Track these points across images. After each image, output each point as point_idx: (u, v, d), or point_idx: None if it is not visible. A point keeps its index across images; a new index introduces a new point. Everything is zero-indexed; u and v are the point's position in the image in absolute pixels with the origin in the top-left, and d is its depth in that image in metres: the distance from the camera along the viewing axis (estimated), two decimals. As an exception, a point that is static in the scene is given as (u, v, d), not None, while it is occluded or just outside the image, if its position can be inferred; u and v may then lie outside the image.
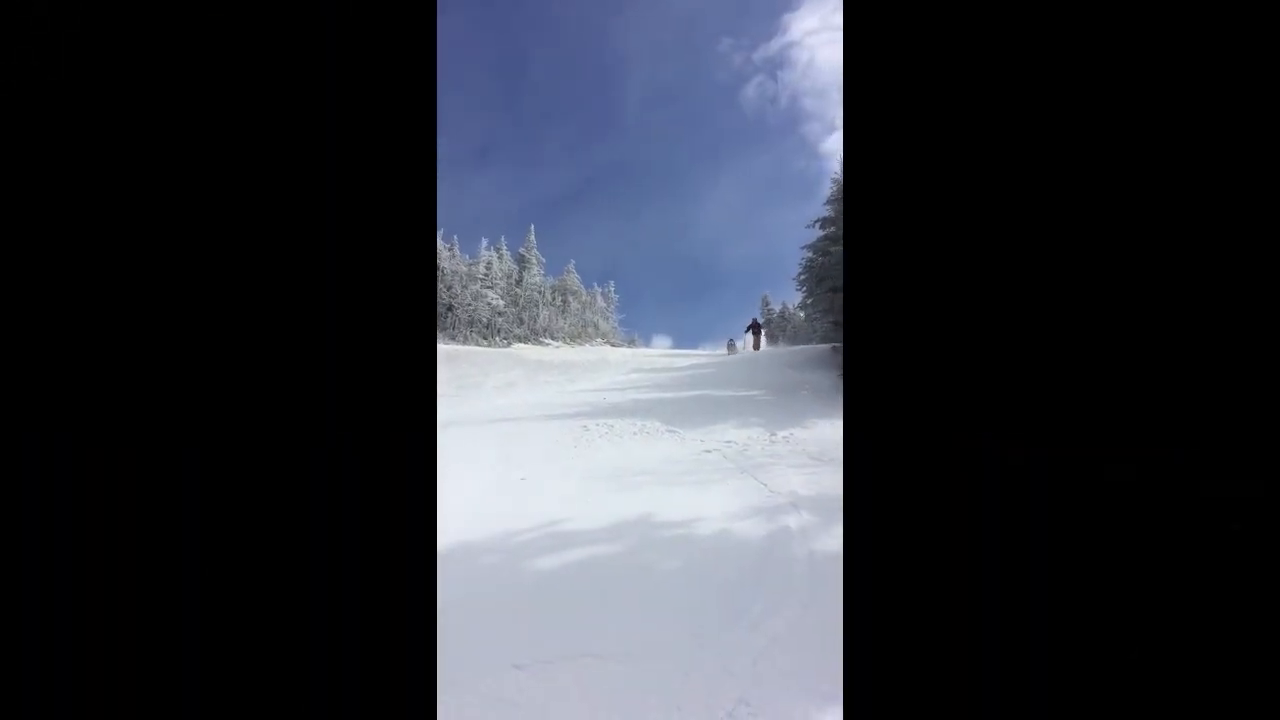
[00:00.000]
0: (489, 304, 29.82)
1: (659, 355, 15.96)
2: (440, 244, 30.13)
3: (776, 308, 27.98)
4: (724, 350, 16.91)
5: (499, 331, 30.25)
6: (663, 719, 1.39)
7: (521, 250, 34.70)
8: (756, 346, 15.76)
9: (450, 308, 28.78)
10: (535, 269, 33.49)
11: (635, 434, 5.45)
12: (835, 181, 10.50)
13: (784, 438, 4.88)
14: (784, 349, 14.06)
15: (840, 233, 9.26)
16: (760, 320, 16.48)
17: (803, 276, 11.56)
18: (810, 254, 10.92)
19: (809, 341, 15.74)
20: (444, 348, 22.87)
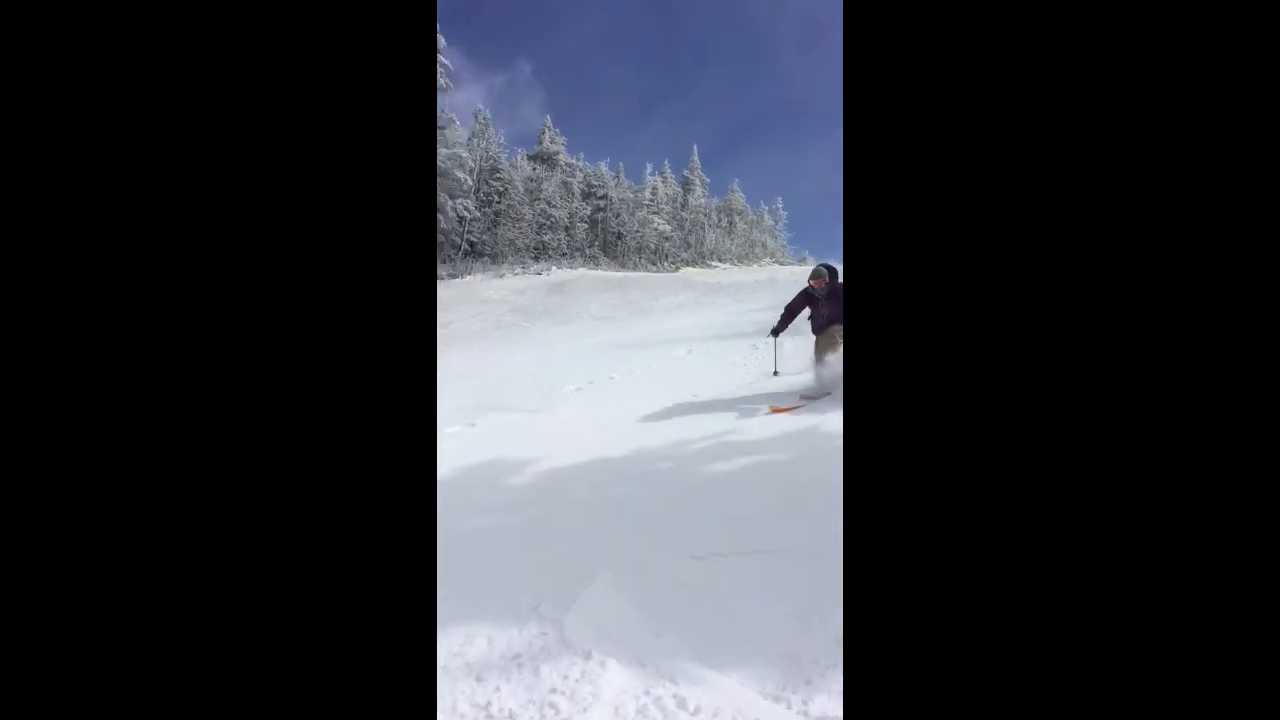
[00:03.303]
0: (655, 229, 30.11)
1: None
2: (606, 172, 30.71)
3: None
4: None
5: (666, 256, 30.64)
6: (834, 607, 1.43)
7: (686, 173, 34.25)
8: (820, 328, 4.27)
9: (619, 235, 29.54)
10: (699, 191, 33.03)
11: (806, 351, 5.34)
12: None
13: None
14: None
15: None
16: (829, 272, 4.30)
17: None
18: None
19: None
20: (615, 274, 23.72)
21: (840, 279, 4.23)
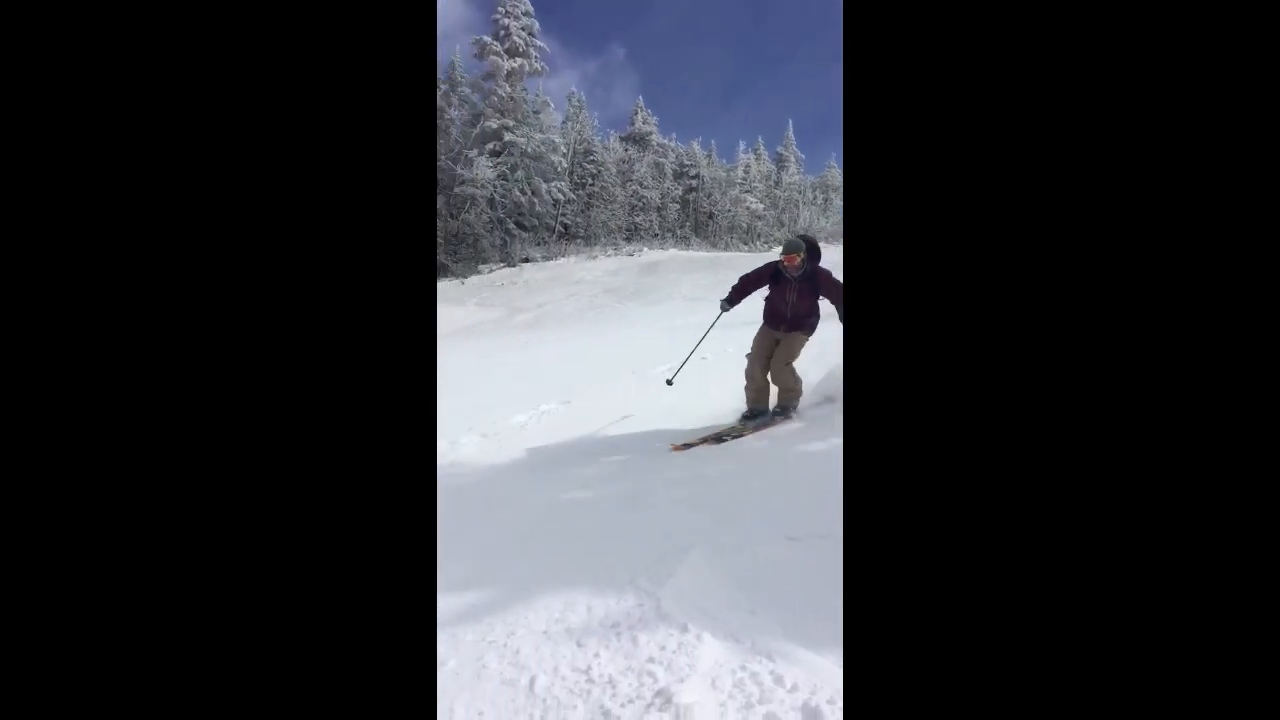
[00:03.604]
0: (748, 208, 29.55)
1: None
2: (698, 151, 30.38)
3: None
4: None
5: (759, 235, 30.05)
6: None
7: (780, 149, 33.35)
8: (781, 321, 3.39)
9: (711, 215, 29.22)
10: (794, 168, 32.09)
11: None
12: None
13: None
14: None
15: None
16: (807, 247, 3.25)
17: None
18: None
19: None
20: (706, 254, 23.56)
21: (821, 261, 3.34)
